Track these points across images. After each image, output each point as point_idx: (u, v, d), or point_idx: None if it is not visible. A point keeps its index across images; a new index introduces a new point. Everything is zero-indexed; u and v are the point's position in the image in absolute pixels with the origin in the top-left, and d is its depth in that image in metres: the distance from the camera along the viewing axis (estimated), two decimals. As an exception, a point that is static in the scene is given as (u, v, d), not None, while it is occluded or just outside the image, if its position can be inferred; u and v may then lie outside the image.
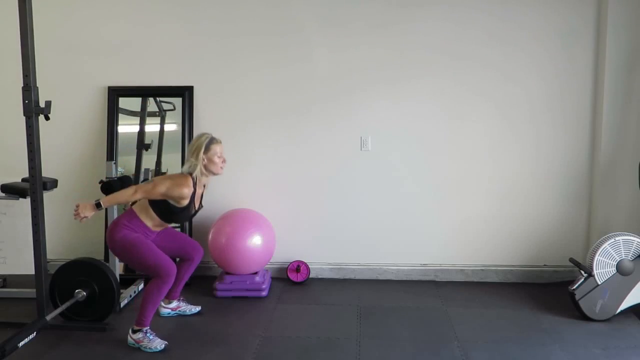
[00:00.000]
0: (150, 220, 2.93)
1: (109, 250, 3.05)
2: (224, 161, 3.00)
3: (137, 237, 2.87)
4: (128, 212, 2.96)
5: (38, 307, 3.01)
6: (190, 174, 2.92)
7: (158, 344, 2.83)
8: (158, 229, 3.01)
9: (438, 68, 3.80)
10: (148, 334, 2.85)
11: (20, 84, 2.86)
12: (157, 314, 3.21)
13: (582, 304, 3.18)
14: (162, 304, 3.27)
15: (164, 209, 2.89)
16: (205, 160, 2.93)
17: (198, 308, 3.36)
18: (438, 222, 3.93)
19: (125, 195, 2.86)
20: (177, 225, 4.03)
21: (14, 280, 3.75)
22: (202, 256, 3.28)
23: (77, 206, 2.81)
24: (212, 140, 2.95)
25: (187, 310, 3.32)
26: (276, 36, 3.86)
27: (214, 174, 3.00)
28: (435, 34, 3.78)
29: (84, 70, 3.97)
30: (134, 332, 2.87)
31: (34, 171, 2.93)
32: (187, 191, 2.85)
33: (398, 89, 3.85)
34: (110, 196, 2.90)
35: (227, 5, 3.86)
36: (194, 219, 3.97)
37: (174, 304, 3.30)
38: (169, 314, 3.28)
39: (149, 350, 2.82)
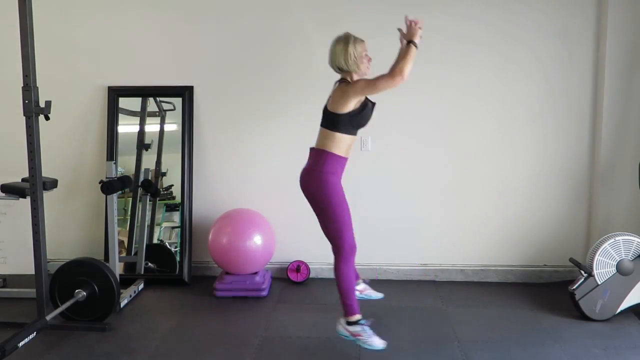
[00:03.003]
0: (341, 144, 2.75)
1: (309, 197, 2.80)
2: (369, 60, 2.84)
3: (339, 191, 2.73)
4: (317, 153, 2.78)
5: (38, 307, 3.01)
6: (346, 77, 2.81)
7: (378, 342, 2.70)
8: (348, 154, 2.81)
9: (438, 68, 3.79)
10: (367, 328, 2.73)
11: (20, 84, 2.86)
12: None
13: (582, 304, 3.18)
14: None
15: (347, 118, 2.72)
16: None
17: (381, 295, 3.30)
18: (438, 222, 3.93)
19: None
20: (177, 225, 4.05)
21: (14, 280, 3.74)
22: None
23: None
24: (356, 40, 2.79)
25: (373, 295, 3.27)
26: (276, 36, 3.86)
27: (362, 73, 2.81)
28: (435, 36, 3.77)
29: (84, 70, 3.97)
30: (350, 324, 2.75)
31: (34, 171, 2.93)
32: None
33: (398, 89, 3.83)
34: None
35: (228, 6, 3.86)
36: (195, 220, 3.99)
37: (362, 285, 3.20)
38: (357, 296, 3.14)
39: (368, 347, 2.70)
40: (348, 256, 2.75)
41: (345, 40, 2.77)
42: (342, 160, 2.79)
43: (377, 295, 3.31)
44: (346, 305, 2.76)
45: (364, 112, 2.77)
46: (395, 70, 2.64)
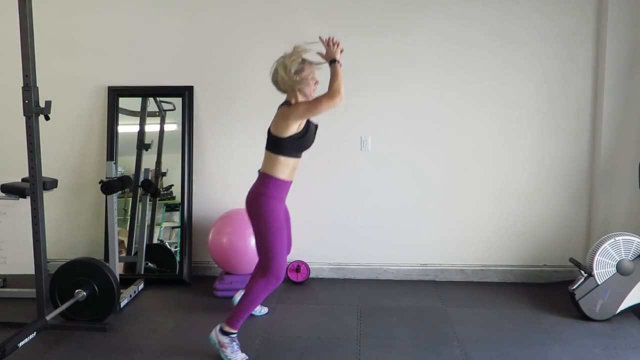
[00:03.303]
0: (285, 168, 2.75)
1: (251, 220, 2.79)
2: (316, 83, 2.79)
3: (279, 218, 2.74)
4: (262, 178, 2.77)
5: (38, 307, 3.00)
6: (289, 99, 2.79)
7: (241, 358, 2.72)
8: (292, 177, 2.82)
9: (438, 68, 3.80)
10: (234, 344, 2.73)
11: (20, 84, 2.86)
12: (232, 302, 3.25)
13: (582, 304, 3.18)
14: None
15: (291, 142, 2.71)
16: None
17: (266, 309, 3.35)
18: (438, 222, 3.93)
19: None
20: (177, 225, 4.05)
21: (14, 280, 3.75)
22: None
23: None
24: (304, 62, 2.75)
25: (257, 312, 3.30)
26: (277, 36, 3.85)
27: (307, 97, 2.77)
28: (435, 36, 3.78)
29: (84, 70, 3.97)
30: (223, 332, 2.75)
31: (34, 171, 2.93)
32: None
33: (398, 89, 3.85)
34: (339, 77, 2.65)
35: (228, 5, 3.86)
36: (195, 220, 3.99)
37: None
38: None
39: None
40: (272, 281, 2.73)
41: (290, 60, 2.73)
42: (286, 184, 2.80)
43: (262, 311, 3.34)
44: (235, 318, 2.75)
45: (307, 136, 2.78)
46: (332, 92, 2.63)
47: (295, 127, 2.70)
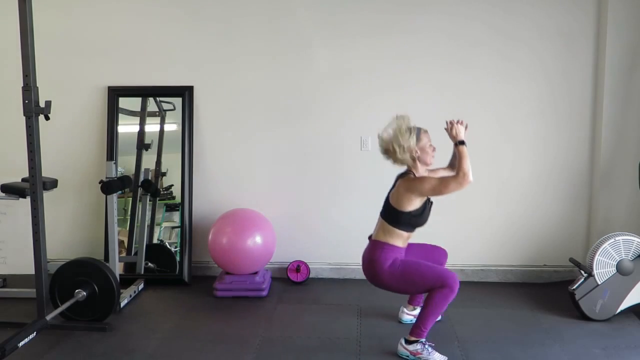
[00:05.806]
0: (399, 239, 2.74)
1: (380, 287, 2.78)
2: (434, 149, 2.79)
3: (401, 261, 2.71)
4: (374, 245, 2.76)
5: (38, 307, 3.01)
6: (411, 169, 2.75)
7: (438, 357, 2.67)
8: (406, 245, 2.82)
9: (438, 68, 3.79)
10: (427, 346, 2.68)
11: (20, 84, 2.86)
12: (398, 320, 3.18)
13: (582, 304, 3.18)
14: (406, 310, 3.17)
15: (408, 218, 2.71)
16: (418, 152, 2.73)
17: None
18: (438, 222, 3.90)
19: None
20: (177, 225, 4.05)
21: (14, 280, 3.75)
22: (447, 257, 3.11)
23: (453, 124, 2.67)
24: (420, 130, 2.74)
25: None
26: (277, 36, 3.86)
27: (427, 164, 2.79)
28: (436, 36, 3.78)
29: (84, 70, 3.97)
30: (409, 342, 2.69)
31: (34, 171, 2.93)
32: None
33: (398, 89, 3.85)
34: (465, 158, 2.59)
35: (228, 6, 3.86)
36: (195, 220, 3.99)
37: (417, 310, 3.12)
38: (410, 320, 3.09)
39: None
40: (453, 286, 2.65)
41: (407, 132, 2.69)
42: (401, 249, 2.77)
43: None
44: (419, 328, 2.70)
45: (424, 214, 2.75)
46: (461, 175, 2.59)
47: (417, 203, 2.69)
